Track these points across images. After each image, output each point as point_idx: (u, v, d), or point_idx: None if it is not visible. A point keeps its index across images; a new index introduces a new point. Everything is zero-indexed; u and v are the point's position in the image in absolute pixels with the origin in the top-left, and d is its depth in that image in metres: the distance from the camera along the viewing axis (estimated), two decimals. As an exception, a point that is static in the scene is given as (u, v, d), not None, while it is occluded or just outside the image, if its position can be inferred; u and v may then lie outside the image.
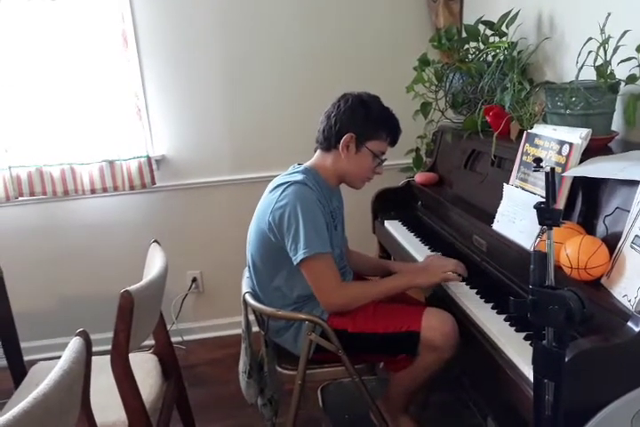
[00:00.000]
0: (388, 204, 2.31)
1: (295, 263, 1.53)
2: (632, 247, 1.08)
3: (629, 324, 1.01)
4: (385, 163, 1.71)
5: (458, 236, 1.84)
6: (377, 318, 1.56)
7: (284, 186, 1.57)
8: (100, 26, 2.38)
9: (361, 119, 1.61)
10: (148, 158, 2.54)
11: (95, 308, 2.58)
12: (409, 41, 2.60)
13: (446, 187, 2.12)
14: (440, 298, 1.62)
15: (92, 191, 2.53)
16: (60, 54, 2.39)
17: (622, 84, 1.43)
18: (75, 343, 1.05)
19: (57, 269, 2.67)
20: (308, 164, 1.69)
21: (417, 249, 1.92)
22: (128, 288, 1.37)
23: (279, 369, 1.65)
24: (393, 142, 1.68)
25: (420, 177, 2.22)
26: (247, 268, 1.75)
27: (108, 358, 1.40)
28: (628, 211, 1.14)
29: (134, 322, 1.39)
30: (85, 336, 1.08)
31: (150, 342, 1.75)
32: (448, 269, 1.58)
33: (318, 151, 1.70)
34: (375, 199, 2.32)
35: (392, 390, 1.68)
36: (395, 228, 2.17)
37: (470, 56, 2.07)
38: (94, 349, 1.13)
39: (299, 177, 1.59)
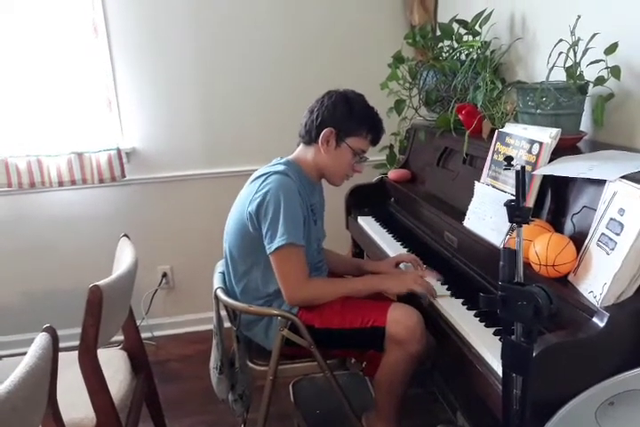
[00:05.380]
0: (362, 200, 2.32)
1: (269, 252, 1.52)
2: (598, 245, 1.11)
3: (594, 319, 1.04)
4: (359, 159, 1.71)
5: (429, 232, 1.86)
6: (344, 313, 1.56)
7: (266, 176, 1.58)
8: (69, 14, 2.33)
9: (342, 115, 1.61)
10: (118, 151, 2.50)
11: (63, 303, 2.53)
12: (384, 38, 2.61)
13: (419, 184, 2.14)
14: (411, 293, 1.63)
15: (60, 184, 2.47)
16: (28, 43, 2.32)
17: (591, 85, 1.46)
18: (41, 339, 1.03)
19: (23, 263, 2.60)
20: (290, 157, 1.70)
21: (389, 245, 1.93)
22: (97, 283, 1.35)
23: (251, 365, 1.64)
24: (374, 141, 1.68)
25: (393, 174, 2.24)
26: (224, 259, 1.73)
27: (75, 353, 1.38)
28: (595, 209, 1.17)
29: (103, 317, 1.36)
30: (52, 332, 1.06)
31: (120, 337, 1.73)
32: (419, 284, 1.53)
33: (301, 145, 1.71)
34: (349, 195, 2.33)
35: (377, 398, 1.64)
36: (368, 224, 2.18)
37: (444, 54, 2.09)
38: (62, 344, 1.12)
39: (281, 168, 1.60)
